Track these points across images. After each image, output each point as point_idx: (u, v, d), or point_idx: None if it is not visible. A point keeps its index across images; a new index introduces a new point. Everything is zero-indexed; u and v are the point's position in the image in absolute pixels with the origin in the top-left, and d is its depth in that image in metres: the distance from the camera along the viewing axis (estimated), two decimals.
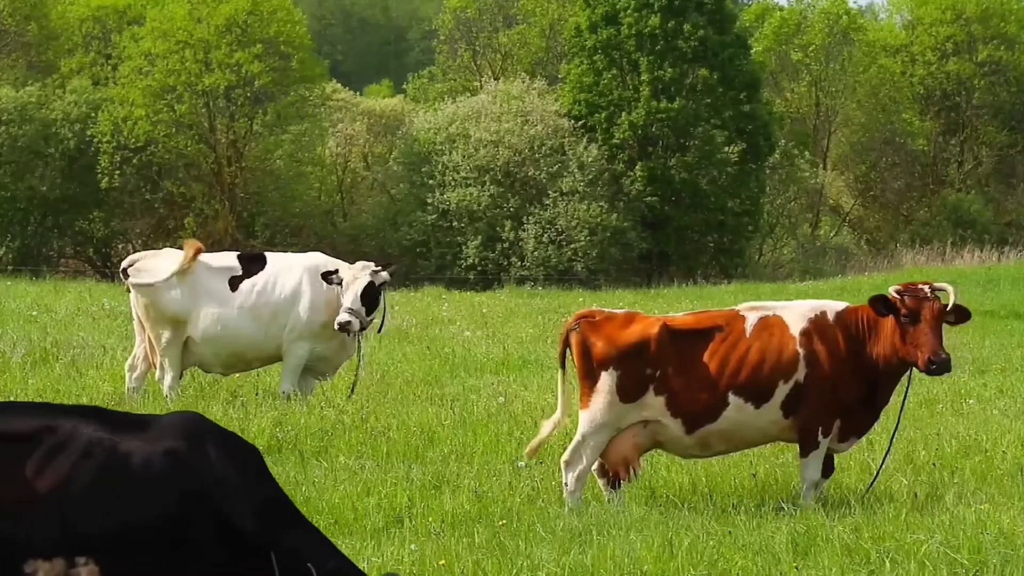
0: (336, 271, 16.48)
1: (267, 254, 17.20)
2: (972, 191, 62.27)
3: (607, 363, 11.58)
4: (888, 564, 9.28)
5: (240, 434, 13.96)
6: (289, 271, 16.61)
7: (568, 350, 11.83)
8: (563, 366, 12.00)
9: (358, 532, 10.66)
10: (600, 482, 11.88)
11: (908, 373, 11.93)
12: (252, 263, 16.79)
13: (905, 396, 12.26)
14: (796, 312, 11.82)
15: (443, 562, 9.42)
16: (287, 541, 6.85)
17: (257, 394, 16.48)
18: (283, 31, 50.77)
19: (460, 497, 11.59)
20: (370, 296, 16.31)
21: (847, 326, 11.76)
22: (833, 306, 11.94)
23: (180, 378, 16.63)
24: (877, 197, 63.99)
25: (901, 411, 12.35)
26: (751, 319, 11.76)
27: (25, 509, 6.63)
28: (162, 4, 52.48)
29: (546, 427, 12.08)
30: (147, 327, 16.54)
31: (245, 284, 16.55)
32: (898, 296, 11.61)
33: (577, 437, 11.67)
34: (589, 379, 11.66)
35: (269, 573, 6.81)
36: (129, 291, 16.74)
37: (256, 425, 14.31)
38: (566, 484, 11.68)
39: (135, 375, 16.64)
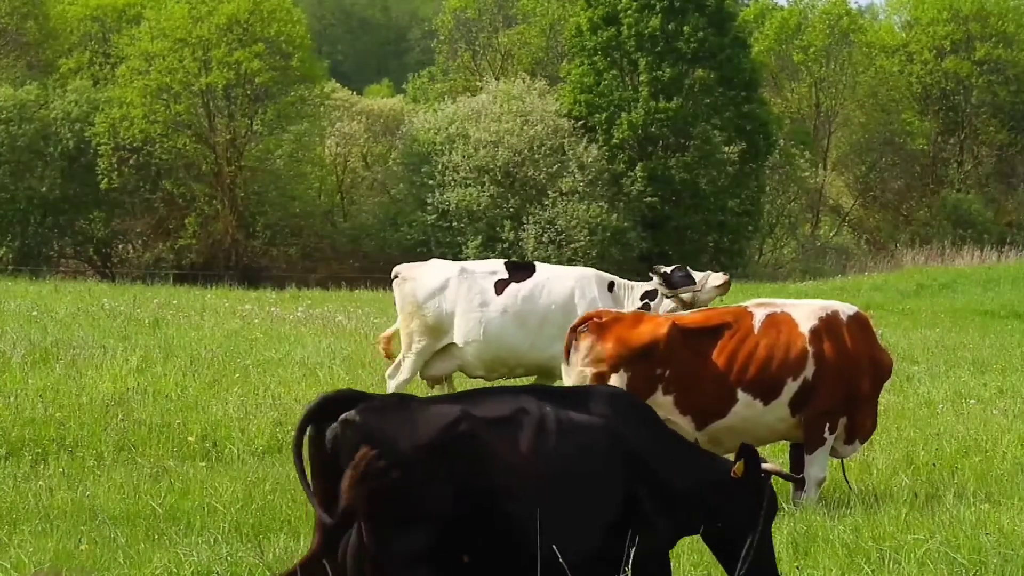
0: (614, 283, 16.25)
1: (536, 263, 16.85)
2: (972, 191, 62.32)
3: (618, 364, 11.53)
4: (888, 564, 9.27)
5: (240, 434, 14.00)
6: (560, 280, 16.24)
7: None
8: (568, 363, 11.95)
9: None
10: None
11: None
12: (519, 270, 16.48)
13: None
14: (806, 310, 11.78)
15: None
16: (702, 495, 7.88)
17: (257, 394, 16.46)
18: (283, 31, 50.78)
19: None
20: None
21: (863, 327, 11.74)
22: (845, 308, 11.91)
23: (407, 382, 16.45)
24: (877, 197, 64.06)
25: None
26: (759, 315, 11.73)
27: (528, 485, 7.29)
28: (161, 3, 52.47)
29: None
30: (403, 331, 16.31)
31: (511, 288, 16.20)
32: None
33: None
34: (598, 380, 11.60)
35: (686, 522, 7.84)
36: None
37: (256, 425, 14.27)
38: None
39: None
